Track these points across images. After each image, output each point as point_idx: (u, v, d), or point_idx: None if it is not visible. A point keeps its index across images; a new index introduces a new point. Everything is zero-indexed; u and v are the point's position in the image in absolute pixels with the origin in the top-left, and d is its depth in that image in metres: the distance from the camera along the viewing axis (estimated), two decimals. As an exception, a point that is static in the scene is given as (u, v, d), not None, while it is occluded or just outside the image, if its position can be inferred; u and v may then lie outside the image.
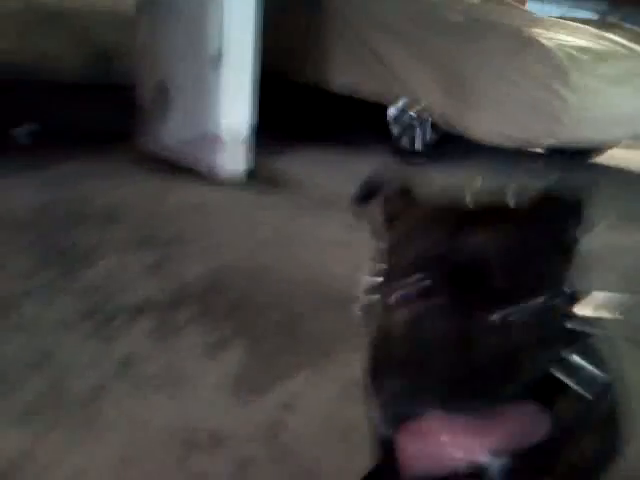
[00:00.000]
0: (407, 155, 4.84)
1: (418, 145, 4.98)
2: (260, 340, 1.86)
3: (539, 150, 5.81)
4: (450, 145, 4.80)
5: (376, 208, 0.89)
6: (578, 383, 0.78)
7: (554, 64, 4.24)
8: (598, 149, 5.71)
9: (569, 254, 0.79)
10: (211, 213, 3.16)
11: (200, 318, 1.98)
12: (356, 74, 5.14)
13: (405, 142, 5.03)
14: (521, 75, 4.32)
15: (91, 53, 6.92)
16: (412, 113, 4.99)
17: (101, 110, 5.23)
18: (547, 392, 0.77)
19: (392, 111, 5.10)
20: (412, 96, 4.82)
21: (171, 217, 3.04)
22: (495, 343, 0.69)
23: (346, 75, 5.22)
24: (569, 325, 0.75)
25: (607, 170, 5.70)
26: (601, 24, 7.74)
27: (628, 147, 5.69)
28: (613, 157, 5.87)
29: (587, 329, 0.77)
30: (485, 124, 4.46)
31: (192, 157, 4.01)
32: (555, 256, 0.77)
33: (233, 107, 3.85)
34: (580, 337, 0.78)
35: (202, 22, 3.81)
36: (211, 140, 3.85)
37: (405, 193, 0.87)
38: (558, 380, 0.77)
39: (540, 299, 0.72)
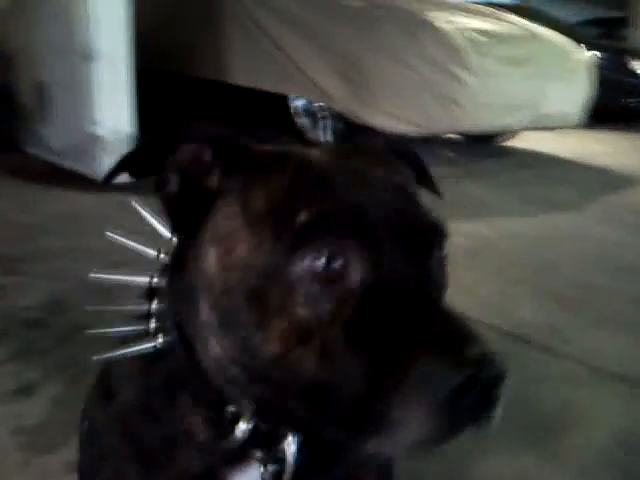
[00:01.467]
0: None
1: (328, 136, 4.81)
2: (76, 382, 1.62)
3: (453, 138, 5.76)
4: (362, 136, 4.65)
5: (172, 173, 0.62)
6: None
7: (451, 47, 4.11)
8: (504, 134, 5.66)
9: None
10: (82, 225, 2.90)
11: (17, 357, 1.74)
12: (257, 66, 4.91)
13: (314, 134, 4.85)
14: (419, 59, 4.17)
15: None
16: (319, 104, 4.81)
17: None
18: None
19: (300, 103, 4.91)
20: (315, 86, 4.63)
21: (36, 231, 2.78)
22: None
23: (247, 67, 4.98)
24: None
25: (518, 153, 5.67)
26: (515, 8, 7.78)
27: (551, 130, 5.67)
28: (527, 140, 5.85)
29: None
30: (386, 112, 4.30)
31: (76, 160, 3.75)
32: None
33: (111, 105, 3.59)
34: None
35: (70, 18, 3.54)
36: (92, 141, 3.59)
37: (231, 155, 0.62)
38: None
39: None
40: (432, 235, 0.62)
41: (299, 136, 4.84)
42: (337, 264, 0.54)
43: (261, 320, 0.55)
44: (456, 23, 4.30)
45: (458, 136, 5.88)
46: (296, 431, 0.64)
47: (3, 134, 4.35)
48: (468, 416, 0.51)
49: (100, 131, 3.57)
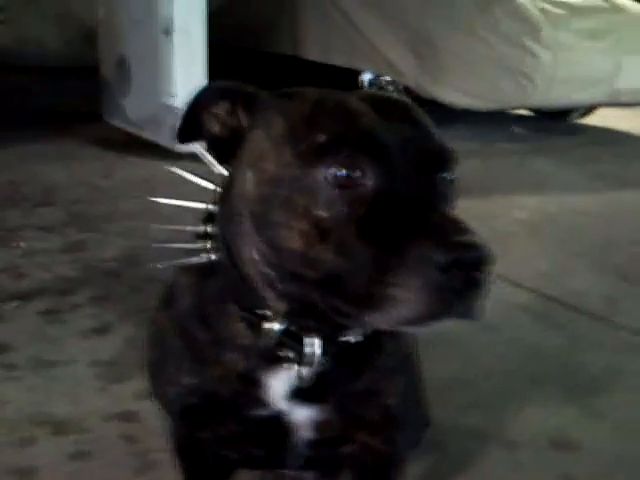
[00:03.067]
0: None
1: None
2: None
3: (522, 113, 5.64)
4: (429, 109, 4.64)
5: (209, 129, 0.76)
6: None
7: (525, 19, 4.04)
8: (579, 111, 5.49)
9: None
10: (155, 189, 3.08)
11: (95, 302, 1.92)
12: (329, 41, 4.97)
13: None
14: (491, 33, 4.13)
15: (75, 35, 6.84)
16: (387, 78, 4.84)
17: (81, 92, 5.18)
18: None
19: (366, 76, 4.96)
20: (384, 60, 4.65)
21: (114, 194, 2.99)
22: None
23: (319, 42, 5.06)
24: None
25: (591, 130, 5.50)
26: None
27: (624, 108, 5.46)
28: (602, 117, 5.66)
29: None
30: (455, 86, 4.29)
31: (153, 130, 3.95)
32: None
33: (187, 78, 3.74)
34: None
35: (152, -9, 3.70)
36: (168, 112, 3.77)
37: (248, 99, 0.75)
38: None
39: None
40: (441, 158, 0.70)
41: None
42: (352, 174, 0.64)
43: (287, 221, 0.65)
44: (531, -6, 4.21)
45: (529, 112, 5.76)
46: (320, 334, 0.74)
47: (88, 106, 4.63)
48: (456, 296, 0.59)
49: (176, 103, 3.74)
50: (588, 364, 1.75)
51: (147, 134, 4.00)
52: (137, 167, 3.47)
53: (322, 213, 0.64)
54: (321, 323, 0.72)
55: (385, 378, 0.83)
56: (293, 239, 0.65)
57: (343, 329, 0.74)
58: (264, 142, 0.70)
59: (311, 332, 0.74)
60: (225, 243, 0.75)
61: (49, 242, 2.35)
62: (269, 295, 0.73)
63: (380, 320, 0.61)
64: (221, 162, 0.79)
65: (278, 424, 0.81)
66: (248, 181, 0.70)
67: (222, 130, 0.76)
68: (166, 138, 3.79)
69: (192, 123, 0.77)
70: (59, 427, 1.36)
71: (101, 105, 4.48)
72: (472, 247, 0.58)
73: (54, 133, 4.03)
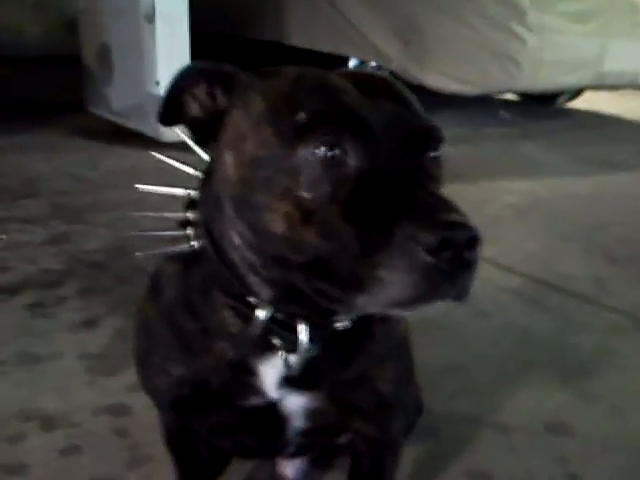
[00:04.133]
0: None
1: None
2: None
3: (509, 98, 5.64)
4: (416, 95, 4.61)
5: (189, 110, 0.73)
6: None
7: (511, 3, 4.01)
8: (566, 95, 5.50)
9: None
10: (140, 179, 3.03)
11: (81, 294, 1.89)
12: (314, 27, 4.93)
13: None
14: (477, 17, 4.10)
15: (55, 23, 6.73)
16: (373, 63, 4.80)
17: (63, 81, 5.11)
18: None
19: (352, 62, 4.92)
20: (371, 47, 4.62)
21: (99, 185, 2.94)
22: None
23: (305, 29, 5.01)
24: None
25: (578, 114, 5.51)
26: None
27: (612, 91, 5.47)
28: (589, 101, 5.67)
29: None
30: (442, 71, 4.26)
31: (137, 119, 3.91)
32: None
33: (171, 65, 3.69)
34: None
35: (133, -22, 3.64)
36: (152, 101, 3.72)
37: (226, 79, 0.72)
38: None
39: None
40: (427, 136, 0.68)
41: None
42: (335, 153, 0.62)
43: (269, 204, 0.63)
44: (516, -22, 4.18)
45: (516, 97, 5.75)
46: (307, 320, 0.72)
47: (71, 96, 4.57)
48: (445, 277, 0.56)
49: (160, 91, 3.70)
50: (579, 347, 1.75)
51: (131, 123, 3.96)
52: (122, 157, 3.43)
53: (305, 194, 0.62)
54: (307, 309, 0.70)
55: (378, 364, 0.82)
56: (275, 221, 0.63)
57: (330, 314, 0.72)
58: (244, 122, 0.68)
59: (297, 318, 0.72)
60: (207, 229, 0.73)
61: (33, 234, 2.31)
62: (253, 281, 0.71)
63: (368, 303, 0.59)
64: (201, 145, 0.76)
65: (271, 413, 0.80)
66: (228, 164, 0.68)
67: (201, 112, 0.73)
68: (151, 127, 3.75)
69: (173, 105, 0.74)
70: (48, 422, 1.33)
71: (84, 95, 4.43)
72: (461, 226, 0.56)
73: (36, 124, 3.97)
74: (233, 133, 0.69)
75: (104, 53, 4.15)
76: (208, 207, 0.73)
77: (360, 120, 0.63)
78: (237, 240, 0.69)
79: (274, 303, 0.71)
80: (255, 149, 0.65)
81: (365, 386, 0.82)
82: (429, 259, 0.55)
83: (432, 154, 0.68)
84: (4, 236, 2.28)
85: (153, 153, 0.89)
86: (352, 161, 0.62)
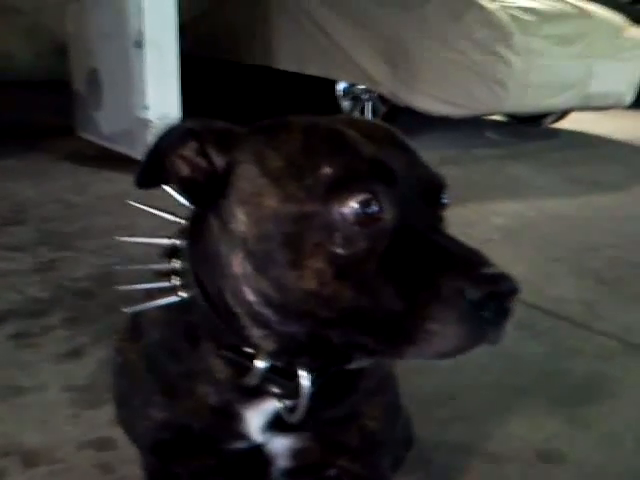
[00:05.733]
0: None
1: (369, 118, 4.84)
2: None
3: (496, 119, 5.69)
4: (404, 117, 4.64)
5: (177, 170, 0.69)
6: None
7: (496, 26, 4.07)
8: (553, 115, 5.55)
9: None
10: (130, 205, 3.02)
11: (68, 323, 1.86)
12: (302, 50, 4.97)
13: (356, 115, 4.88)
14: (464, 40, 4.15)
15: (45, 48, 6.74)
16: (361, 86, 4.84)
17: (52, 106, 5.10)
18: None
19: (341, 85, 4.95)
20: (359, 70, 4.65)
21: (87, 211, 2.92)
22: None
23: (293, 52, 5.05)
24: None
25: (565, 134, 5.56)
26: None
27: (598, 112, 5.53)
28: (576, 121, 5.72)
29: None
30: (429, 93, 4.30)
31: (126, 144, 3.90)
32: None
33: (160, 90, 3.71)
34: None
35: (121, 5, 3.66)
36: (141, 125, 3.72)
37: (220, 137, 0.68)
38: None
39: None
40: (439, 185, 0.69)
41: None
42: (370, 208, 0.61)
43: (296, 260, 0.62)
44: (501, 1, 4.24)
45: (503, 118, 5.80)
46: (310, 368, 0.71)
47: (60, 120, 4.56)
48: (488, 325, 0.59)
49: (149, 116, 3.69)
50: (570, 372, 1.74)
51: (120, 148, 3.95)
52: (111, 182, 3.41)
53: (340, 250, 0.61)
54: (316, 358, 0.70)
55: (365, 401, 0.80)
56: (305, 278, 0.62)
57: (343, 361, 0.71)
58: (259, 178, 0.65)
59: (300, 366, 0.71)
60: (199, 281, 0.71)
61: (19, 262, 2.29)
62: (257, 334, 0.69)
63: (416, 354, 0.60)
64: (197, 204, 0.72)
65: (255, 455, 0.78)
66: (241, 220, 0.65)
67: (193, 172, 0.69)
68: (140, 152, 3.74)
69: (155, 167, 0.70)
70: (30, 457, 1.30)
71: (73, 119, 4.43)
72: (503, 279, 0.59)
73: (25, 148, 3.96)
74: (247, 189, 0.66)
75: (94, 78, 4.16)
76: (200, 261, 0.71)
77: (389, 171, 0.64)
78: (251, 297, 0.67)
79: (274, 354, 0.70)
80: (278, 204, 0.63)
81: (352, 424, 0.80)
82: (475, 310, 0.58)
83: (444, 202, 0.70)
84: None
85: (131, 202, 0.86)
86: (387, 216, 0.62)
